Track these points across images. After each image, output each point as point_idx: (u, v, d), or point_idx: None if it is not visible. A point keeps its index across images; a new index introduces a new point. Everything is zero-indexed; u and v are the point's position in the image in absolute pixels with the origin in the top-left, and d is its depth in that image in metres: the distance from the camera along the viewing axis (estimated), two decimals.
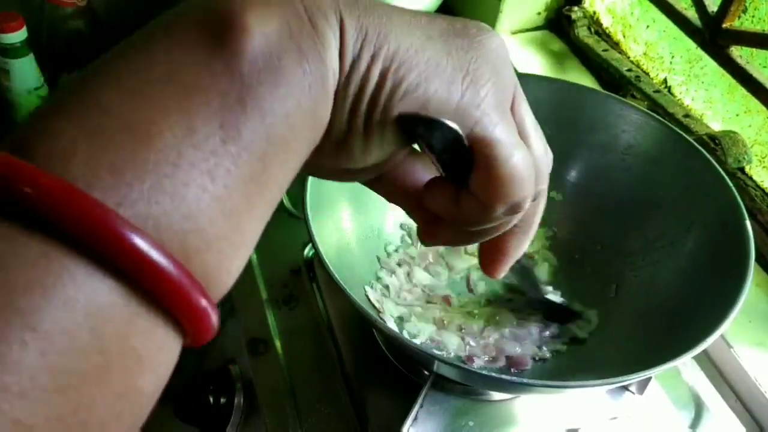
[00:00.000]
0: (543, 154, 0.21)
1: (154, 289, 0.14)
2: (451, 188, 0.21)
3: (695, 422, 0.44)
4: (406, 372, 0.44)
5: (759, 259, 0.51)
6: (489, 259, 0.24)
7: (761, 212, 0.52)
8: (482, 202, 0.20)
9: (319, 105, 0.17)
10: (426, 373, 0.41)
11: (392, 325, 0.44)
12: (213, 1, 0.16)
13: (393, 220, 0.50)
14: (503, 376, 0.38)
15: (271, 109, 0.16)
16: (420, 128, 0.18)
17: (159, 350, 0.15)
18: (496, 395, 0.43)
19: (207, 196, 0.15)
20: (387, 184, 0.23)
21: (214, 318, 0.15)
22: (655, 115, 0.48)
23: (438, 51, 0.18)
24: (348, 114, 0.18)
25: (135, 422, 0.15)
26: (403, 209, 0.24)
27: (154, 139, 0.14)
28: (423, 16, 0.19)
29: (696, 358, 0.46)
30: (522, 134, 0.20)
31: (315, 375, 0.45)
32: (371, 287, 0.46)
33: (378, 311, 0.44)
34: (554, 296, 0.47)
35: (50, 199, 0.13)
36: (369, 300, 0.45)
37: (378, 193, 0.24)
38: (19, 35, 0.70)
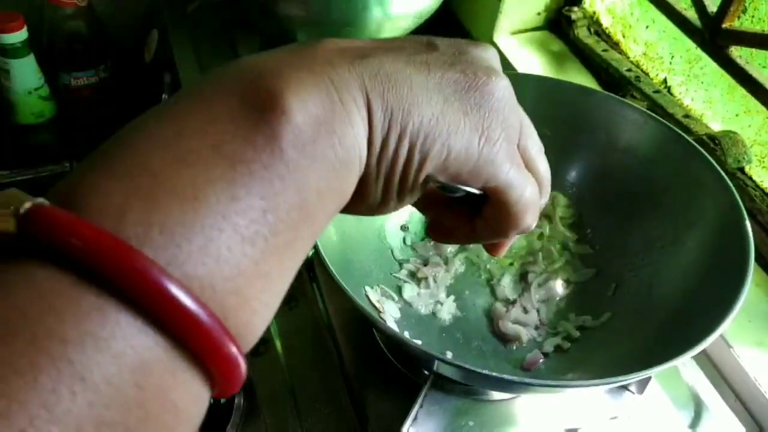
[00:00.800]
0: (546, 172, 0.24)
1: (197, 348, 0.15)
2: (467, 213, 0.24)
3: (695, 422, 0.44)
4: (406, 372, 0.44)
5: (759, 259, 0.51)
6: (493, 248, 0.28)
7: (761, 212, 0.52)
8: (497, 230, 0.23)
9: (346, 181, 0.19)
10: (426, 373, 0.41)
11: (392, 324, 0.44)
12: (254, 75, 0.18)
13: (394, 220, 0.50)
14: (504, 376, 0.38)
15: (306, 185, 0.17)
16: (445, 190, 0.22)
17: (195, 403, 0.16)
18: (496, 395, 0.43)
19: (246, 260, 0.16)
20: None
21: (244, 372, 0.16)
22: (654, 115, 0.48)
23: (455, 114, 0.20)
24: (382, 187, 0.21)
25: None
26: (416, 208, 0.27)
27: (201, 204, 0.15)
28: (437, 72, 0.21)
29: (695, 357, 0.46)
30: (528, 163, 0.23)
31: (315, 375, 0.45)
32: (371, 287, 0.46)
33: (378, 311, 0.44)
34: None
35: (106, 254, 0.14)
36: (369, 300, 0.45)
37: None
38: (19, 35, 0.70)
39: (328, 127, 0.18)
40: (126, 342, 0.14)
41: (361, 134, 0.19)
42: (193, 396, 0.15)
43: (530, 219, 0.23)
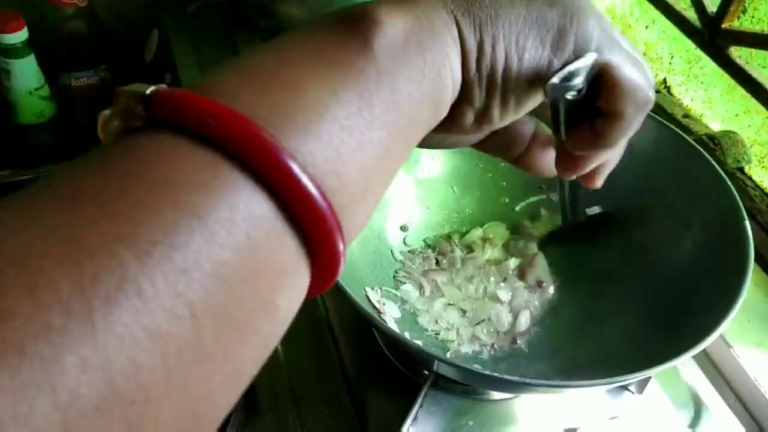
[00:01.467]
0: (647, 65, 0.24)
1: (301, 212, 0.16)
2: (586, 126, 0.24)
3: (694, 422, 0.44)
4: (406, 372, 0.44)
5: (758, 259, 0.51)
6: (591, 176, 0.27)
7: (760, 212, 0.52)
8: (617, 114, 0.23)
9: (438, 92, 0.20)
10: (426, 372, 0.41)
11: (393, 325, 0.44)
12: (351, 8, 0.20)
13: (393, 220, 0.50)
14: (504, 376, 0.38)
15: (398, 88, 0.19)
16: (559, 85, 0.22)
17: (295, 275, 0.17)
18: (496, 395, 0.43)
19: (345, 147, 0.17)
20: (498, 144, 0.27)
21: (343, 260, 0.17)
22: (654, 115, 0.48)
23: (540, 7, 0.21)
24: (486, 90, 0.21)
25: (268, 341, 0.17)
26: (509, 161, 0.28)
27: (305, 93, 0.17)
28: None
29: (695, 357, 0.46)
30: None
31: (315, 375, 0.45)
32: (372, 288, 0.46)
33: (378, 312, 0.44)
34: (591, 210, 0.48)
35: (220, 120, 0.15)
36: (369, 300, 0.45)
37: (479, 149, 0.27)
38: (19, 36, 0.70)
39: (417, 39, 0.19)
40: (237, 195, 0.15)
41: (451, 47, 0.20)
42: (295, 267, 0.16)
43: (643, 90, 0.23)
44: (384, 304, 0.45)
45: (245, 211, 0.15)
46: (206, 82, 0.17)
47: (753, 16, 0.54)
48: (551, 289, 0.49)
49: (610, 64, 0.22)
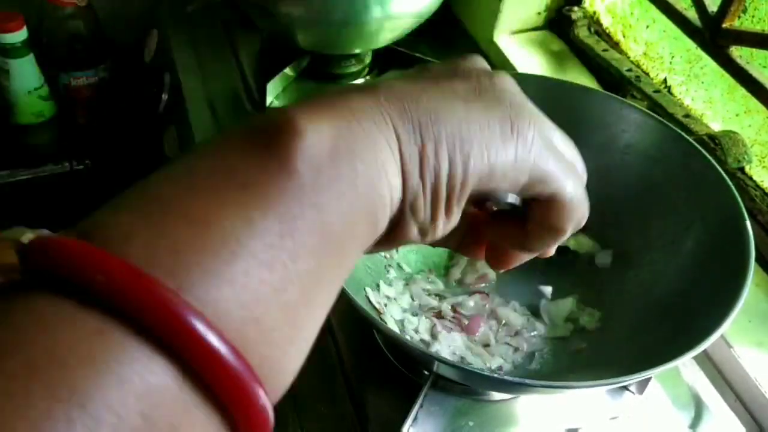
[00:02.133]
0: (581, 165, 0.23)
1: (210, 376, 0.14)
2: (513, 223, 0.23)
3: (695, 422, 0.44)
4: (406, 372, 0.44)
5: (759, 259, 0.51)
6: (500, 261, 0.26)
7: (761, 212, 0.52)
8: (551, 229, 0.22)
9: (374, 207, 0.18)
10: (426, 373, 0.41)
11: (393, 325, 0.44)
12: (268, 113, 0.17)
13: None
14: (503, 377, 0.38)
15: (326, 206, 0.16)
16: (491, 202, 0.21)
17: None
18: (496, 395, 0.42)
19: (265, 287, 0.15)
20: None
21: (272, 419, 0.15)
22: (654, 114, 0.48)
23: (481, 114, 0.19)
24: (431, 204, 0.19)
25: None
26: (452, 250, 0.26)
27: (213, 227, 0.15)
28: (445, 84, 0.20)
29: (696, 357, 0.46)
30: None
31: (315, 375, 0.45)
32: (372, 289, 0.46)
33: (378, 312, 0.44)
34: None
35: (108, 276, 0.13)
36: (369, 301, 0.45)
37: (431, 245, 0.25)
38: (19, 35, 0.71)
39: (347, 147, 0.17)
40: (131, 367, 0.13)
41: (387, 155, 0.18)
42: None
43: (583, 209, 0.22)
44: (386, 305, 0.45)
45: (141, 386, 0.13)
46: (95, 221, 0.15)
47: (753, 16, 0.54)
48: (549, 290, 0.49)
49: (549, 178, 0.21)
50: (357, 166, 0.17)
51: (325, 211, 0.16)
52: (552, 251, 0.25)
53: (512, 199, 0.21)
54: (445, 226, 0.20)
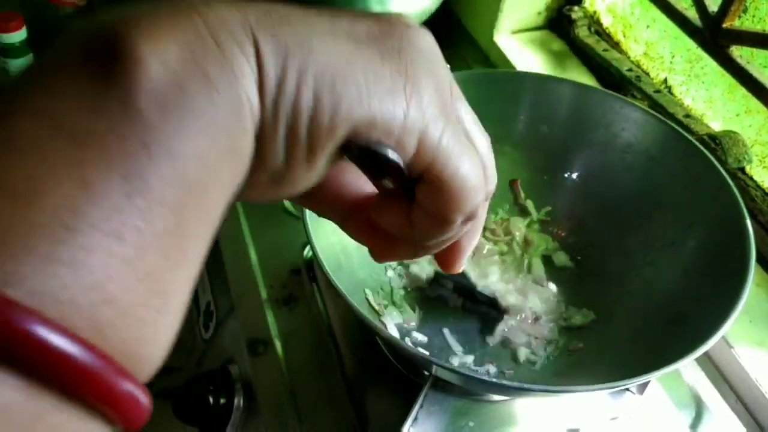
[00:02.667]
0: (487, 151, 0.19)
1: (61, 379, 0.12)
2: (401, 204, 0.19)
3: (696, 422, 0.44)
4: (406, 372, 0.44)
5: (759, 260, 0.51)
6: (445, 258, 0.22)
7: (762, 212, 0.52)
8: (437, 217, 0.18)
9: (237, 140, 0.15)
10: (426, 373, 0.41)
11: (393, 328, 0.44)
12: (95, 26, 0.14)
13: None
14: (503, 382, 0.38)
15: (181, 150, 0.14)
16: (364, 159, 0.17)
17: None
18: (496, 396, 0.42)
19: (115, 260, 0.13)
20: (317, 198, 0.21)
21: (144, 400, 0.13)
22: (654, 113, 0.48)
23: (372, 56, 0.16)
24: (285, 143, 0.16)
25: None
26: (337, 224, 0.22)
27: (41, 198, 0.12)
28: (344, 17, 0.17)
29: (696, 358, 0.46)
30: (464, 134, 0.18)
31: (315, 375, 0.45)
32: (372, 290, 0.46)
33: (378, 314, 0.44)
34: (485, 290, 0.46)
35: None
36: (369, 303, 0.44)
37: (307, 208, 0.22)
38: (18, 35, 0.70)
39: (199, 71, 0.14)
40: None
41: (247, 76, 0.15)
42: None
43: (475, 197, 0.18)
44: (386, 306, 0.45)
45: None
46: None
47: (754, 16, 0.54)
48: (553, 288, 0.48)
49: (434, 152, 0.17)
50: (212, 93, 0.14)
51: (180, 156, 0.14)
52: (439, 248, 0.21)
53: (393, 156, 0.17)
54: (306, 174, 0.17)
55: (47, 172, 0.12)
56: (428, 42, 0.18)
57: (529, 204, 0.52)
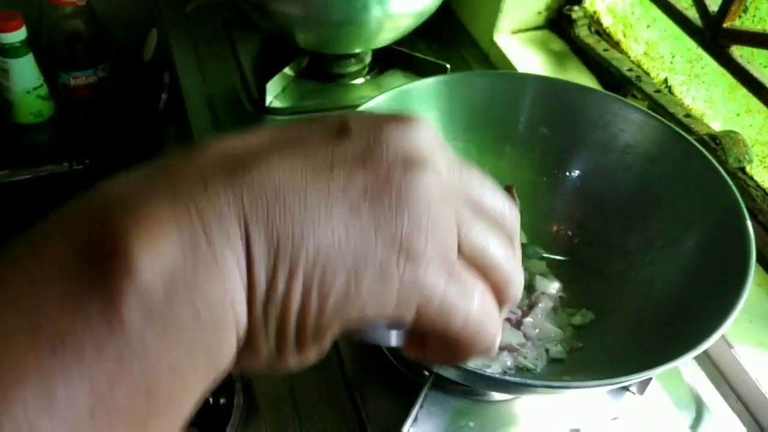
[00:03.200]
0: (503, 258, 0.18)
1: None
2: (415, 344, 0.19)
3: (696, 422, 0.44)
4: (406, 372, 0.44)
5: (760, 260, 0.51)
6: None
7: (762, 212, 0.52)
8: (449, 359, 0.18)
9: (215, 348, 0.15)
10: (426, 373, 0.41)
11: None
12: (99, 210, 0.14)
13: None
14: (504, 378, 0.38)
15: (156, 364, 0.14)
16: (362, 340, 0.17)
17: None
18: (497, 396, 0.42)
19: None
20: None
21: None
22: (654, 114, 0.48)
23: (364, 229, 0.15)
24: (275, 341, 0.16)
25: None
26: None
27: (2, 406, 0.12)
28: (341, 173, 0.16)
29: (696, 358, 0.46)
30: (476, 259, 0.18)
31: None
32: None
33: None
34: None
35: None
36: None
37: None
38: (18, 35, 0.70)
39: (189, 281, 0.14)
40: None
41: (236, 281, 0.15)
42: None
43: (489, 338, 0.18)
44: None
45: None
46: None
47: (754, 16, 0.54)
48: (556, 286, 0.48)
49: (436, 315, 0.16)
50: (197, 304, 0.14)
51: (154, 368, 0.14)
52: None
53: (395, 341, 0.17)
54: (301, 361, 0.17)
55: (17, 383, 0.12)
56: (429, 186, 0.16)
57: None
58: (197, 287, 0.14)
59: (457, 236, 0.17)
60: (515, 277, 0.19)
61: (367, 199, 0.16)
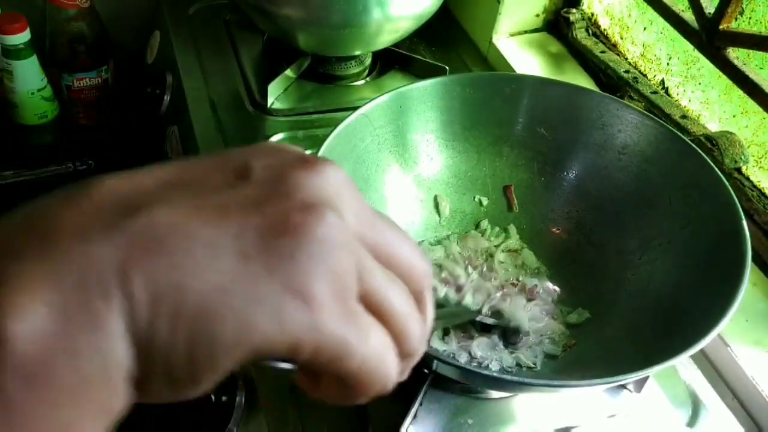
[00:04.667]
0: (401, 306, 0.18)
1: None
2: (310, 378, 0.19)
3: (692, 420, 0.44)
4: None
5: (755, 259, 0.51)
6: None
7: (758, 212, 0.53)
8: (344, 398, 0.18)
9: (107, 399, 0.15)
10: (425, 371, 0.41)
11: None
12: None
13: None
14: (502, 376, 0.38)
15: (44, 425, 0.14)
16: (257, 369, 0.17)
17: None
18: (495, 393, 0.43)
19: None
20: None
21: None
22: (651, 115, 0.48)
23: (255, 275, 0.15)
24: (167, 381, 0.16)
25: None
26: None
27: None
28: (236, 219, 0.16)
29: (693, 356, 0.47)
30: (376, 306, 0.18)
31: None
32: None
33: None
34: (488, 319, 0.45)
35: None
36: None
37: None
38: (22, 37, 0.71)
39: (66, 341, 0.14)
40: None
41: (118, 334, 0.14)
42: None
43: (383, 380, 0.18)
44: None
45: None
46: None
47: (750, 18, 0.54)
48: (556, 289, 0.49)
49: (330, 356, 0.16)
50: (79, 363, 0.14)
51: (43, 429, 0.14)
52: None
53: (282, 366, 0.17)
54: (201, 391, 0.16)
55: None
56: (330, 229, 0.16)
57: (512, 229, 0.52)
58: (76, 346, 0.14)
59: (356, 282, 0.17)
60: (413, 330, 0.18)
61: (262, 244, 0.15)
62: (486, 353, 0.44)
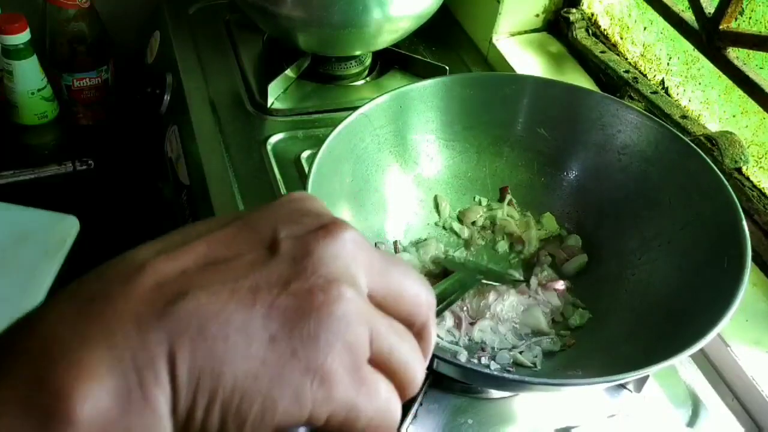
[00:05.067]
0: (407, 362, 0.20)
1: None
2: None
3: (692, 420, 0.44)
4: None
5: (756, 259, 0.51)
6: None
7: (758, 212, 0.53)
8: None
9: None
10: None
11: None
12: (37, 369, 0.15)
13: (393, 222, 0.51)
14: (503, 375, 0.38)
15: None
16: None
17: None
18: (495, 393, 0.43)
19: None
20: None
21: None
22: (651, 115, 0.48)
23: (281, 357, 0.17)
24: None
25: None
26: None
27: None
28: (266, 302, 0.17)
29: (693, 356, 0.47)
30: (385, 365, 0.19)
31: None
32: None
33: None
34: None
35: None
36: None
37: None
38: (22, 37, 0.71)
39: (124, 422, 0.16)
40: None
41: (164, 414, 0.16)
42: None
43: (391, 425, 0.19)
44: None
45: None
46: None
47: (750, 18, 0.54)
48: (562, 284, 0.49)
49: (342, 421, 0.18)
50: None
51: None
52: None
53: (301, 429, 0.18)
54: None
55: None
56: (345, 305, 0.18)
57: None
58: (131, 427, 0.16)
59: (368, 349, 0.19)
60: (416, 376, 0.20)
61: (287, 326, 0.17)
62: (488, 337, 0.44)
